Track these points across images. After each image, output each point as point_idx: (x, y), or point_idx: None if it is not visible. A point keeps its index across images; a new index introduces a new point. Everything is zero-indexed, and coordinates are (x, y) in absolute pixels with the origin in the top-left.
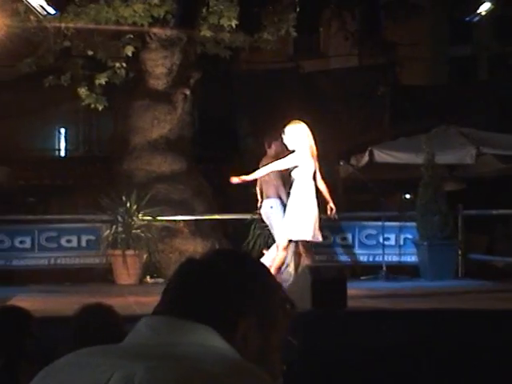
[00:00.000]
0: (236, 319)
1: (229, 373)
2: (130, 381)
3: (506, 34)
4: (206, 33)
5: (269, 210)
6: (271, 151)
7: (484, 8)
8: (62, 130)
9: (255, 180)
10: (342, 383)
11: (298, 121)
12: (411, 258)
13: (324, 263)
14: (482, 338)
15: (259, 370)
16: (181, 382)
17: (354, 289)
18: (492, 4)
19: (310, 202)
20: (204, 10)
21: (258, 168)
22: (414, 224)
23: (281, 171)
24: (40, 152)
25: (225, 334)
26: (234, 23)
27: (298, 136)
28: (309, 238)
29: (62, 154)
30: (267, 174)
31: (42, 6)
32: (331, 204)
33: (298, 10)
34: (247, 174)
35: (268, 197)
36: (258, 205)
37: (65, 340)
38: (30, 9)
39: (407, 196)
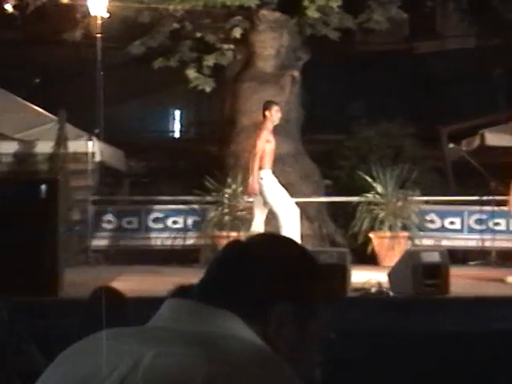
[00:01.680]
0: (268, 306)
1: (245, 364)
2: (136, 367)
3: None
4: (313, 14)
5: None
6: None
7: None
8: (177, 112)
9: None
10: (443, 371)
11: None
12: None
13: (428, 247)
14: None
15: (284, 363)
16: (185, 370)
17: (460, 274)
18: None
19: None
20: None
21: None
22: None
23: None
24: (154, 134)
25: (256, 321)
26: (336, 4)
27: None
28: None
29: (177, 135)
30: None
31: None
32: None
33: None
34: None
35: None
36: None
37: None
38: None
39: None
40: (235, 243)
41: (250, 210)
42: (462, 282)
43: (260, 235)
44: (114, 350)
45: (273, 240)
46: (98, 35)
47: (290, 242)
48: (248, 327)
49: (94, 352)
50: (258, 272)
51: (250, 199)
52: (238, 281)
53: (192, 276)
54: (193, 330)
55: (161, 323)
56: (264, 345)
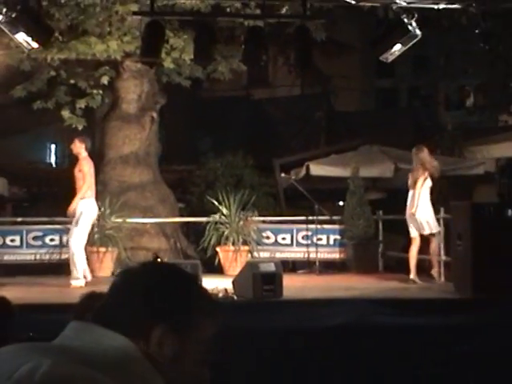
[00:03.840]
0: (149, 326)
1: (108, 368)
2: (34, 372)
3: (420, 70)
4: (169, 65)
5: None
6: None
7: (396, 48)
8: (53, 146)
9: None
10: (280, 363)
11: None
12: (340, 255)
13: (265, 259)
14: (393, 321)
15: (147, 369)
16: (65, 376)
17: (291, 281)
18: (402, 45)
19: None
20: (168, 47)
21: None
22: (342, 226)
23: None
24: (34, 164)
25: (140, 339)
26: (188, 57)
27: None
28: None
29: (53, 165)
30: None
31: (27, 42)
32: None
33: (243, 47)
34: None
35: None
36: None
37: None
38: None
39: (340, 203)
40: (124, 272)
41: (116, 229)
42: (293, 287)
43: (145, 264)
44: (20, 359)
45: (155, 269)
46: None
47: (172, 269)
48: (131, 343)
49: (9, 356)
50: (138, 298)
51: (117, 220)
52: (123, 305)
53: (65, 285)
54: (81, 347)
55: (63, 340)
56: (135, 354)
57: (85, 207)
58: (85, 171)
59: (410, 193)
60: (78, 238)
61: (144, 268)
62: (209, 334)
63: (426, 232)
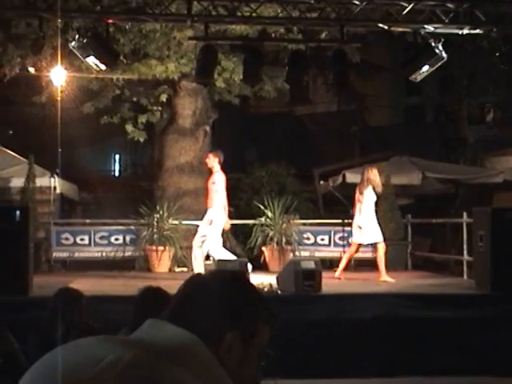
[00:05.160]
0: (223, 331)
1: (179, 360)
2: (117, 362)
3: (445, 88)
4: (220, 84)
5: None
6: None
7: (424, 69)
8: (117, 156)
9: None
10: (316, 351)
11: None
12: (373, 255)
13: (306, 258)
14: (420, 314)
15: (214, 364)
16: (144, 367)
17: (329, 277)
18: (430, 67)
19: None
20: (220, 68)
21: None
22: None
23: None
24: (100, 172)
25: (211, 342)
26: (238, 77)
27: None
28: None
29: (117, 174)
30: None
31: (96, 64)
32: None
33: (287, 68)
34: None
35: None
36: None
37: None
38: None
39: None
40: (194, 279)
41: (173, 230)
42: (330, 282)
43: (213, 273)
44: (104, 349)
45: (223, 278)
46: (59, 98)
47: (238, 279)
48: (199, 340)
49: (89, 348)
50: (217, 307)
51: (174, 222)
52: (200, 310)
53: (128, 279)
54: (161, 343)
55: (141, 335)
56: (203, 350)
57: (218, 215)
58: (219, 185)
59: (358, 205)
60: (205, 241)
61: (220, 278)
62: (266, 341)
63: (370, 241)
